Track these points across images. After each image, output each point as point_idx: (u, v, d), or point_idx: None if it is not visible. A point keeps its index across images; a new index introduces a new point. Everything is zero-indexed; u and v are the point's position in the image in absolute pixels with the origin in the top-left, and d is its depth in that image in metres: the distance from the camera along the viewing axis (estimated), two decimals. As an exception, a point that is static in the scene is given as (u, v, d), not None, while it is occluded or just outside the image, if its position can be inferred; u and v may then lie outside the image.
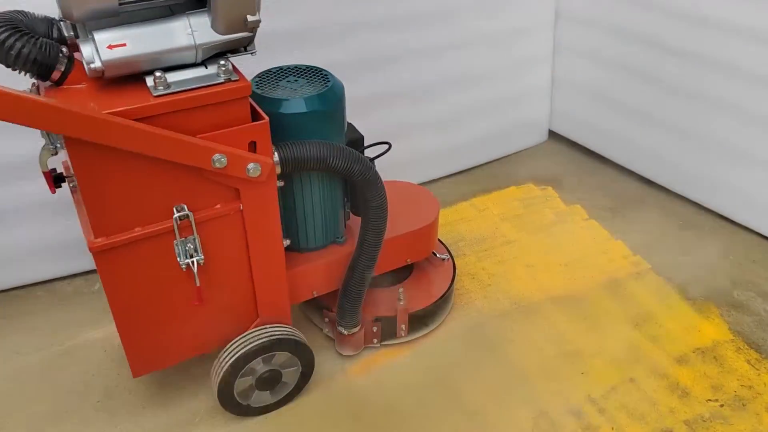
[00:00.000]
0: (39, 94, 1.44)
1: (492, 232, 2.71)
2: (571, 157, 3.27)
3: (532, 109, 3.25)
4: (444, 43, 2.73)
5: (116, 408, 1.94)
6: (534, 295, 2.37)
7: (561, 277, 2.46)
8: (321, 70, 1.82)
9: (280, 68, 1.83)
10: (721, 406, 1.93)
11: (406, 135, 2.78)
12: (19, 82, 1.42)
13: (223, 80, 1.46)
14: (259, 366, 1.81)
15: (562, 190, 3.00)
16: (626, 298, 2.36)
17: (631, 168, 3.04)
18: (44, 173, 1.58)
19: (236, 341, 1.78)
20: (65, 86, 1.44)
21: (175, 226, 1.55)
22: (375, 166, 1.82)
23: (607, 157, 3.15)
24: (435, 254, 2.27)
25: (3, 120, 1.24)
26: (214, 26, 1.44)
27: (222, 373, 1.75)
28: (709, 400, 1.95)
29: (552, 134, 3.40)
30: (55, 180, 1.64)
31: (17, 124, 1.26)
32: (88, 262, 2.37)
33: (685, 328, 2.21)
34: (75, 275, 2.45)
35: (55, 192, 1.64)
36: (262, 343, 1.76)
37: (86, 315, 2.27)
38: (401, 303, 2.04)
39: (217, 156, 1.48)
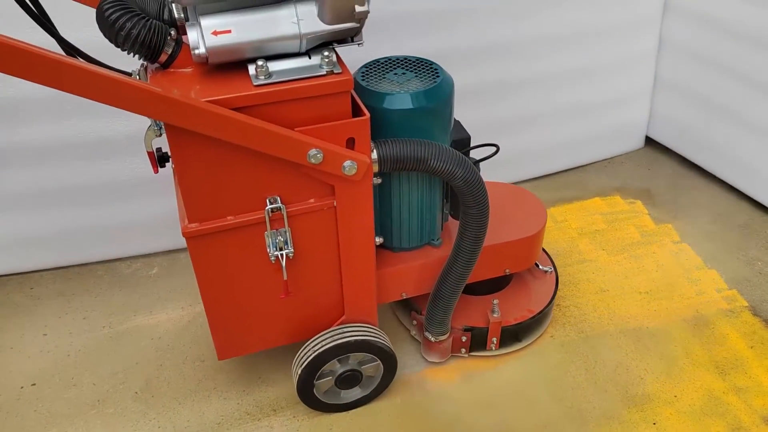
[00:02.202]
0: (146, 75, 1.44)
1: (567, 248, 2.47)
2: (667, 169, 2.91)
3: (628, 112, 2.91)
4: (537, 35, 2.50)
5: (153, 401, 1.95)
6: (604, 325, 2.14)
7: (638, 307, 2.20)
8: (431, 63, 1.71)
9: (389, 59, 1.74)
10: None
11: (485, 132, 2.60)
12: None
13: (325, 72, 1.40)
14: (337, 365, 1.79)
15: (653, 206, 2.70)
16: (713, 338, 2.08)
17: (739, 188, 2.69)
18: (148, 153, 1.60)
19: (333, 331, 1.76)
20: (172, 69, 1.43)
21: (267, 218, 1.53)
22: (480, 169, 1.70)
23: (710, 171, 2.79)
24: (537, 265, 2.12)
25: (106, 104, 1.24)
26: (320, 15, 1.37)
27: (311, 357, 1.72)
28: (796, 475, 1.72)
29: (649, 141, 3.05)
30: (159, 160, 1.66)
31: (118, 108, 1.26)
32: (149, 245, 2.47)
33: (779, 384, 1.95)
34: (136, 257, 2.49)
35: (157, 172, 1.66)
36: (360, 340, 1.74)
37: (140, 300, 2.31)
38: (495, 315, 1.92)
39: (313, 151, 1.43)
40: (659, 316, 2.17)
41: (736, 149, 2.61)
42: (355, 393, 1.88)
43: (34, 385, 2.01)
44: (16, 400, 1.96)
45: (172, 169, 1.71)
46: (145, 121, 2.10)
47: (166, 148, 1.72)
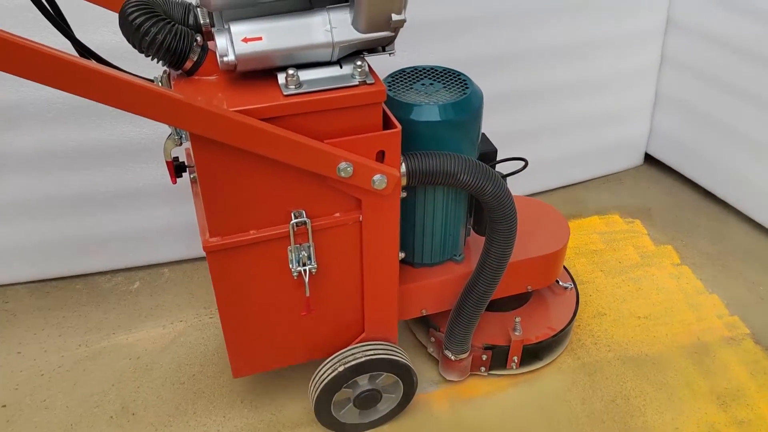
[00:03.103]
0: (169, 82, 1.37)
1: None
2: (667, 188, 2.84)
3: (628, 128, 2.84)
4: (537, 49, 2.45)
5: (129, 426, 1.86)
6: (602, 352, 2.06)
7: (637, 333, 2.13)
8: (459, 74, 1.67)
9: (415, 68, 1.70)
10: None
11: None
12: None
13: (357, 82, 1.35)
14: (366, 380, 1.74)
15: (653, 226, 2.62)
16: (714, 367, 2.01)
17: (741, 209, 2.61)
18: (167, 162, 1.54)
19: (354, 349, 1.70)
20: (196, 77, 1.37)
21: (291, 232, 1.47)
22: (507, 184, 1.65)
23: (711, 191, 2.71)
24: (558, 282, 2.07)
25: (129, 112, 1.18)
26: (354, 23, 1.32)
27: (362, 360, 1.67)
28: None
29: (648, 158, 2.97)
30: (176, 169, 1.59)
31: (144, 117, 1.20)
32: (131, 258, 2.37)
33: (783, 417, 1.87)
34: (116, 271, 2.39)
35: (176, 182, 1.60)
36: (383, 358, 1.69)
37: (119, 317, 2.21)
38: (517, 333, 1.87)
39: (343, 164, 1.37)
40: (659, 343, 2.09)
41: (738, 169, 2.56)
42: (352, 416, 1.80)
43: (4, 406, 1.91)
44: (-17, 423, 1.87)
45: (190, 179, 1.65)
46: (126, 131, 2.07)
47: (183, 158, 1.66)
